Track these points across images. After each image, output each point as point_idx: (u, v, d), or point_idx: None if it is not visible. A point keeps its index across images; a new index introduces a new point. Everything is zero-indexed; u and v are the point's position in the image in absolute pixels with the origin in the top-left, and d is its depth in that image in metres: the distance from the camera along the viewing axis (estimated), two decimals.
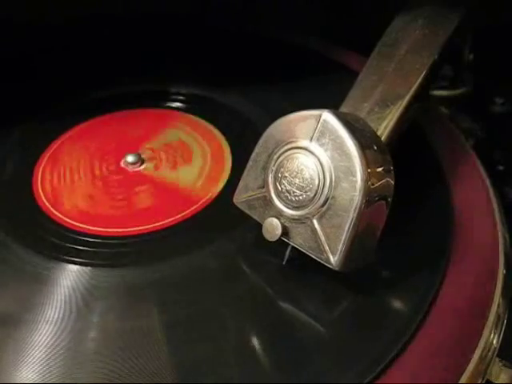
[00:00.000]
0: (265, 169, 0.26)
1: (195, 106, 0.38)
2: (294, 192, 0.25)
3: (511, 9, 0.41)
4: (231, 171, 0.33)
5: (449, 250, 0.28)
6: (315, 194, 0.24)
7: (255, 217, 0.27)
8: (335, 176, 0.24)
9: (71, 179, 0.33)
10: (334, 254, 0.24)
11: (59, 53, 0.44)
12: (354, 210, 0.23)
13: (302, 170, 0.25)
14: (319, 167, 0.24)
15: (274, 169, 0.26)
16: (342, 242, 0.24)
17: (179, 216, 0.30)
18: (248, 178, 0.27)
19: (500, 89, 0.44)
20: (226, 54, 0.43)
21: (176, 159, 0.34)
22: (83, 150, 0.35)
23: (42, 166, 0.34)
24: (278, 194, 0.26)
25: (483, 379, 0.25)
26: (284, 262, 0.27)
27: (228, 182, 0.32)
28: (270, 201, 0.26)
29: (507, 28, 0.43)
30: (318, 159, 0.24)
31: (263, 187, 0.26)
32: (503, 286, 0.27)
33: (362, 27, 0.40)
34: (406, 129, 0.30)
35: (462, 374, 0.24)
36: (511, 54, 0.44)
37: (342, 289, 0.26)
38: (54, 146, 0.35)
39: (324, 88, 0.37)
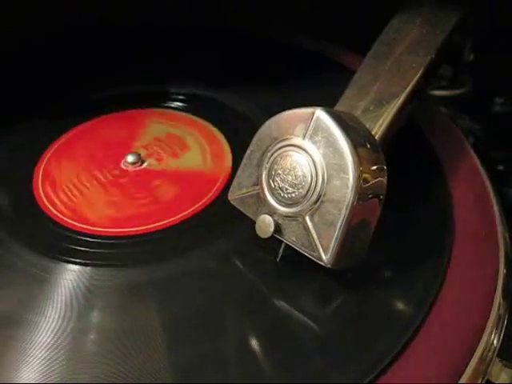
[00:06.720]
0: (259, 166, 0.26)
1: (195, 106, 0.38)
2: (286, 189, 0.25)
3: (511, 8, 0.41)
4: (230, 172, 0.33)
5: (448, 250, 0.28)
6: (308, 192, 0.24)
7: (249, 214, 0.27)
8: (327, 173, 0.24)
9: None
10: (325, 251, 0.24)
11: (59, 53, 0.45)
12: (346, 208, 0.23)
13: (294, 167, 0.25)
14: (312, 165, 0.24)
15: (268, 166, 0.26)
16: (334, 239, 0.24)
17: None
18: (242, 175, 0.27)
19: (500, 89, 0.44)
20: (226, 54, 0.43)
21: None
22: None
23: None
24: (272, 191, 0.26)
25: (483, 379, 0.25)
26: (278, 260, 0.27)
27: (226, 184, 0.32)
28: (264, 198, 0.26)
29: (507, 28, 0.43)
30: (311, 157, 0.24)
31: (257, 184, 0.26)
32: (504, 286, 0.27)
33: (362, 27, 0.40)
34: (402, 127, 0.30)
35: (462, 374, 0.24)
36: (511, 55, 0.43)
37: (342, 288, 0.26)
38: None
39: (324, 88, 0.37)
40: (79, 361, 0.24)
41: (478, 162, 0.34)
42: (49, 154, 0.35)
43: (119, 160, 0.34)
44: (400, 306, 0.26)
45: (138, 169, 0.33)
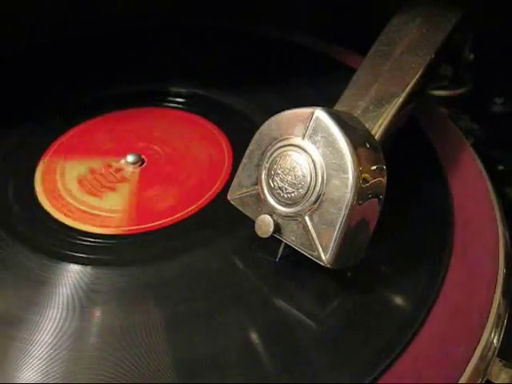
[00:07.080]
0: (258, 166, 0.26)
1: (195, 106, 0.38)
2: (286, 189, 0.25)
3: (511, 9, 0.41)
4: (230, 171, 0.33)
5: (449, 250, 0.28)
6: (307, 191, 0.24)
7: (248, 214, 0.27)
8: (327, 173, 0.24)
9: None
10: (325, 251, 0.24)
11: (59, 53, 0.45)
12: (346, 208, 0.23)
13: (294, 167, 0.25)
14: (311, 164, 0.24)
15: (267, 166, 0.26)
16: (334, 239, 0.24)
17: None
18: (242, 175, 0.27)
19: (500, 89, 0.44)
20: (226, 54, 0.43)
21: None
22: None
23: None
24: (271, 190, 0.26)
25: (483, 379, 0.25)
26: (277, 259, 0.27)
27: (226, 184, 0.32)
28: (263, 198, 0.26)
29: (507, 28, 0.43)
30: (311, 156, 0.24)
31: (257, 184, 0.26)
32: (504, 286, 0.27)
33: (362, 26, 0.40)
34: (401, 127, 0.30)
35: (462, 373, 0.24)
36: (511, 54, 0.43)
37: (341, 288, 0.26)
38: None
39: (324, 87, 0.37)
40: (80, 361, 0.24)
41: (478, 162, 0.34)
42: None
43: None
44: (400, 305, 0.26)
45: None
